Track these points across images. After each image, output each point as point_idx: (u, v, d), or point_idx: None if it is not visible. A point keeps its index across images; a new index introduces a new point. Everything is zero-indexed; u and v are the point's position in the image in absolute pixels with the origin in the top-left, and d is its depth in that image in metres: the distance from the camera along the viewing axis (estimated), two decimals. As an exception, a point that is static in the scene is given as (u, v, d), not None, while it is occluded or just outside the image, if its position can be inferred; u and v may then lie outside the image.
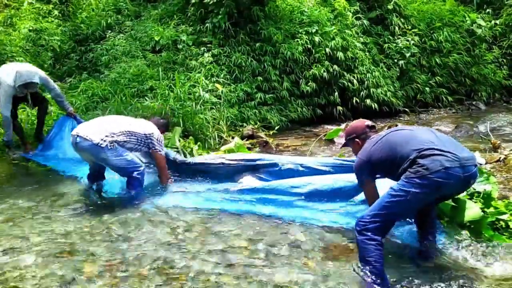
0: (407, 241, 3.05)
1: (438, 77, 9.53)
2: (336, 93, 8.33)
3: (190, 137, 5.37)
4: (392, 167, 2.70)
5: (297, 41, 8.25)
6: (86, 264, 2.77)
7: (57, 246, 3.03)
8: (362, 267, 2.57)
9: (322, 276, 2.62)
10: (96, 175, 4.32)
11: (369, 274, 2.51)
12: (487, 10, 10.96)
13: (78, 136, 3.84)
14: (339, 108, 8.31)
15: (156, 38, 8.10)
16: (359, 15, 9.30)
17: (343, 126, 5.64)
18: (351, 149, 3.32)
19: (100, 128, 3.89)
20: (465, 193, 3.07)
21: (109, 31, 9.01)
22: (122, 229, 3.32)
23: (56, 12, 10.13)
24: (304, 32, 8.40)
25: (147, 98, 6.58)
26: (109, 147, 3.80)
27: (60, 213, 3.69)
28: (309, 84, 8.10)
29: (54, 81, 8.16)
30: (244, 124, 6.93)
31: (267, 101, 7.74)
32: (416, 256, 2.88)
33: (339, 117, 8.18)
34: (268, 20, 8.43)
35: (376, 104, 8.43)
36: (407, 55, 9.19)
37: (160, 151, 4.13)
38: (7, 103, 5.12)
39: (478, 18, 10.46)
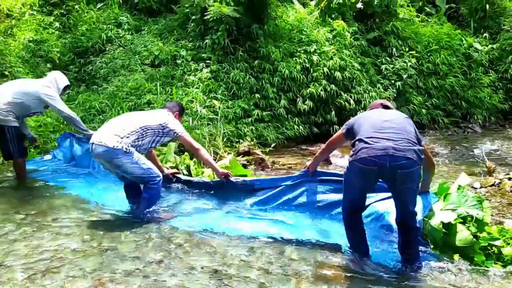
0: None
1: (435, 99, 9.61)
2: (333, 112, 8.37)
3: (186, 153, 5.35)
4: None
5: (296, 59, 8.32)
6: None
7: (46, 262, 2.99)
8: None
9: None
10: (131, 187, 4.15)
11: None
12: (484, 34, 11.09)
13: (93, 143, 3.77)
14: (336, 127, 8.32)
15: (156, 53, 8.15)
16: (357, 35, 9.40)
17: None
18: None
19: (114, 131, 3.79)
20: (456, 216, 3.07)
21: (109, 44, 9.06)
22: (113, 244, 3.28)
23: (57, 24, 10.20)
24: (302, 51, 8.48)
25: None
26: (125, 150, 3.70)
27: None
28: (306, 102, 8.15)
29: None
30: (241, 141, 6.93)
31: (264, 118, 7.76)
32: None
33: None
34: (267, 39, 8.51)
35: (372, 124, 8.44)
36: (404, 76, 9.27)
37: (182, 133, 4.04)
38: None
39: (475, 42, 10.61)
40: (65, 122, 6.02)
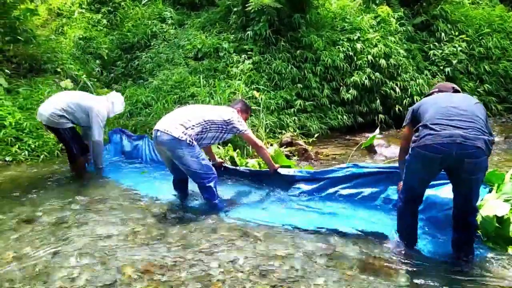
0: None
1: (487, 85, 9.15)
2: (378, 101, 8.18)
3: (229, 144, 5.42)
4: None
5: (338, 48, 8.18)
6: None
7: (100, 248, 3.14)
8: None
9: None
10: (180, 180, 4.25)
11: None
12: (540, 14, 10.42)
13: (158, 130, 3.83)
14: (381, 116, 8.15)
15: (199, 46, 8.27)
16: (403, 21, 9.09)
17: (376, 132, 5.53)
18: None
19: (179, 121, 3.81)
20: (510, 207, 2.93)
21: (154, 39, 9.29)
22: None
23: (104, 21, 10.59)
24: (345, 39, 8.33)
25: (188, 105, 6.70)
26: (188, 142, 3.73)
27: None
28: (350, 91, 8.01)
29: (101, 88, 8.58)
30: (283, 131, 6.92)
31: (306, 109, 7.71)
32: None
33: (380, 125, 8.00)
34: (309, 28, 8.42)
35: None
36: (454, 62, 8.89)
37: (246, 130, 4.05)
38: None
39: (530, 23, 9.98)
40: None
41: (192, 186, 4.22)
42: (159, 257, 3.00)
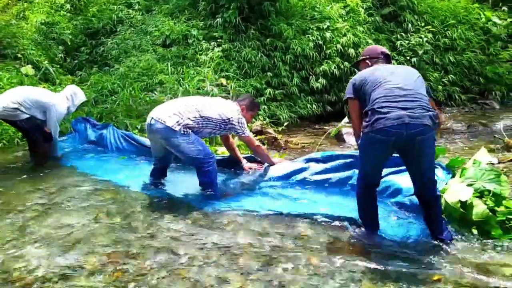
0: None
1: (451, 75, 9.36)
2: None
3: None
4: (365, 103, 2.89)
5: (308, 37, 8.18)
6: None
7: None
8: None
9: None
10: (160, 170, 4.14)
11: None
12: (503, 7, 10.73)
13: (152, 118, 3.71)
14: (349, 105, 8.22)
15: (167, 33, 8.09)
16: (371, 11, 9.18)
17: (344, 121, 5.59)
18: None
19: (175, 111, 3.69)
20: (473, 191, 3.00)
21: (120, 25, 9.03)
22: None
23: (68, 6, 10.17)
24: (315, 28, 8.33)
25: (156, 92, 6.56)
26: (182, 132, 3.63)
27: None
28: (319, 80, 8.04)
29: (65, 75, 8.27)
30: (253, 120, 6.88)
31: (276, 97, 7.69)
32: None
33: (349, 114, 8.04)
34: (279, 16, 8.37)
35: (387, 102, 8.30)
36: (420, 52, 9.04)
37: (243, 133, 3.92)
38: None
39: (493, 16, 10.27)
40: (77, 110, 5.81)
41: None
42: (124, 245, 2.91)
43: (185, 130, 3.66)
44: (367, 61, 3.23)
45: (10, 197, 3.86)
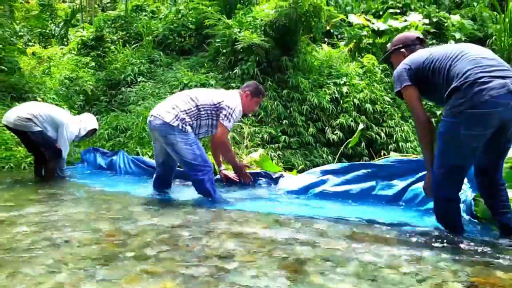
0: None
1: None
2: (363, 144, 8.07)
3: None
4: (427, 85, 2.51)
5: (325, 90, 8.22)
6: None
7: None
8: None
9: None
10: (163, 179, 3.95)
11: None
12: None
13: (152, 115, 3.60)
14: (366, 159, 7.99)
15: (185, 81, 8.22)
16: (387, 72, 9.31)
17: (360, 127, 5.50)
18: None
19: (172, 105, 3.57)
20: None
21: (141, 77, 9.25)
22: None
23: (93, 63, 10.58)
24: (332, 83, 8.41)
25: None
26: (181, 128, 3.48)
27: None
28: (335, 132, 7.91)
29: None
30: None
31: (291, 145, 7.53)
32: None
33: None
34: (297, 71, 8.51)
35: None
36: (438, 113, 8.97)
37: (223, 120, 3.58)
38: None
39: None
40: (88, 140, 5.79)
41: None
42: (124, 228, 2.61)
43: (183, 126, 3.50)
44: (402, 50, 2.82)
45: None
